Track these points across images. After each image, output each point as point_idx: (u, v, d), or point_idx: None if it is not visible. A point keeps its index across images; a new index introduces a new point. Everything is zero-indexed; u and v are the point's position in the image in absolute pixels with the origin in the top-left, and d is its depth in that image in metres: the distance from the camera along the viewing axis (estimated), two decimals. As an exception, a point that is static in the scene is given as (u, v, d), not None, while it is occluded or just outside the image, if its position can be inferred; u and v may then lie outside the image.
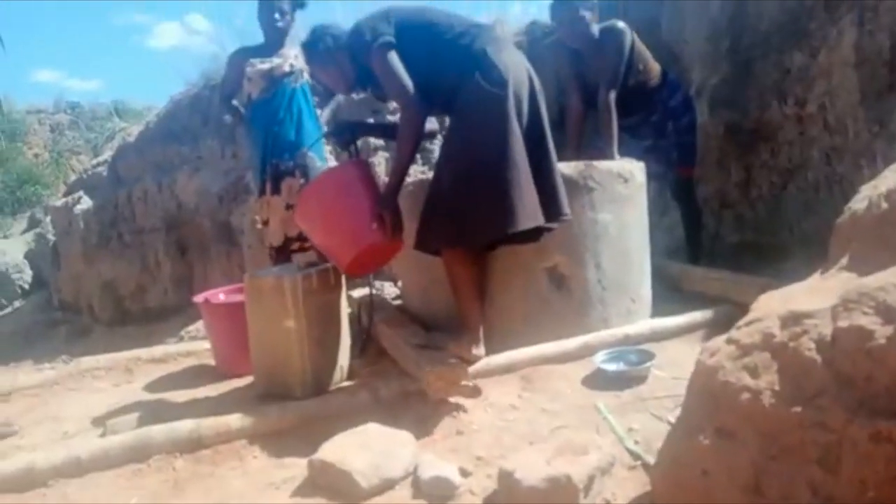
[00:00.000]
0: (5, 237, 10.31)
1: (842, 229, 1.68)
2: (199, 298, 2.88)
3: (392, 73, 2.21)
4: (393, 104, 4.59)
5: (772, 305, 1.43)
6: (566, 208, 2.31)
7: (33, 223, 9.83)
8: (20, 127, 14.26)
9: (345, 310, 2.58)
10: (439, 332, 2.40)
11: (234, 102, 3.77)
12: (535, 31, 5.46)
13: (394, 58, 2.23)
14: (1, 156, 12.85)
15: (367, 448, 1.78)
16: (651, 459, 1.70)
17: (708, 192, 3.91)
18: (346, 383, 2.53)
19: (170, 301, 5.72)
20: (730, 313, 2.64)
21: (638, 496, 1.54)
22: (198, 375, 2.92)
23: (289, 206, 3.36)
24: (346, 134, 2.58)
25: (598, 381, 2.28)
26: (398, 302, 3.48)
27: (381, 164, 4.90)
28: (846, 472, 1.06)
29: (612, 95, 3.12)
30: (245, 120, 3.52)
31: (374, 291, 2.81)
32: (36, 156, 13.90)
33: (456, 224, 2.19)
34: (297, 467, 1.91)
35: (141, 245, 5.80)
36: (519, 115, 2.21)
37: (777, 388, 1.22)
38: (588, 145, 3.38)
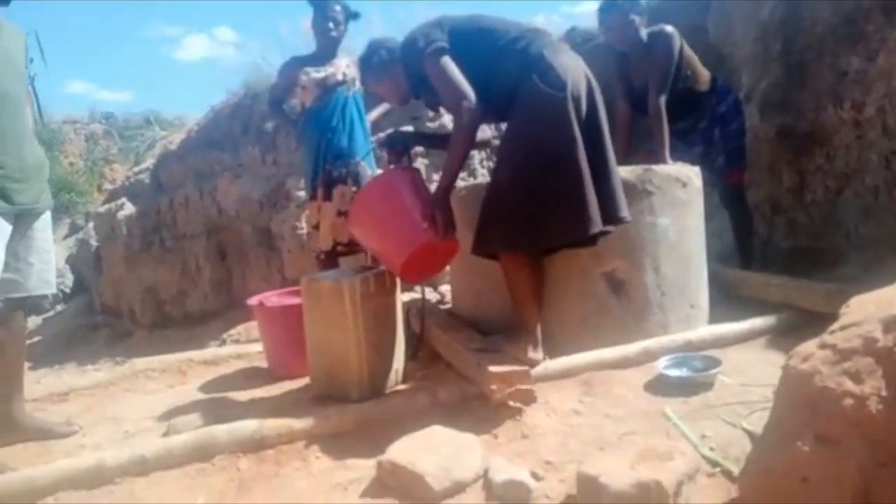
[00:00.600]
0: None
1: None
2: (253, 301, 2.89)
3: (447, 76, 2.21)
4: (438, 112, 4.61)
5: (868, 310, 1.38)
6: (625, 210, 2.28)
7: (74, 229, 10.03)
8: (57, 136, 14.58)
9: (400, 314, 2.57)
10: (496, 336, 2.37)
11: (285, 108, 3.82)
12: (575, 37, 5.44)
13: (448, 62, 2.23)
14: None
15: (435, 451, 1.76)
16: (731, 466, 1.67)
17: (759, 197, 3.84)
18: (400, 387, 2.52)
19: (209, 305, 5.78)
20: (792, 319, 2.60)
21: (724, 504, 1.50)
22: (250, 377, 2.93)
23: (340, 213, 3.39)
24: (398, 144, 2.58)
25: (662, 386, 2.23)
26: (444, 307, 3.48)
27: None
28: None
29: (663, 100, 3.09)
30: (298, 127, 3.56)
31: (424, 296, 2.79)
32: (71, 164, 14.18)
33: (520, 227, 2.17)
34: (361, 468, 1.90)
35: (182, 250, 5.88)
36: (577, 116, 2.19)
37: (884, 393, 1.17)
38: (636, 149, 3.35)
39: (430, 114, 4.82)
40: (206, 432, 2.08)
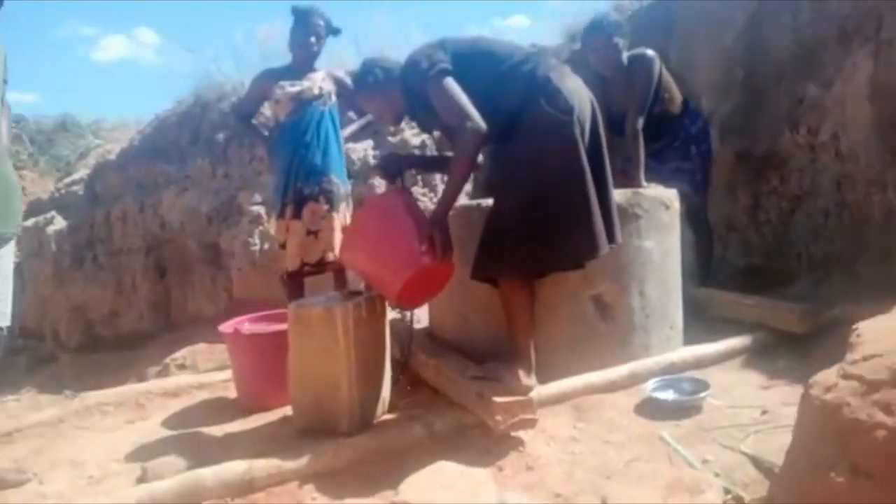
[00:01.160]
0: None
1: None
2: (226, 328, 2.74)
3: (450, 97, 2.17)
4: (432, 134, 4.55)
5: (885, 340, 1.43)
6: (619, 234, 2.30)
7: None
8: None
9: (388, 340, 2.49)
10: (490, 364, 2.33)
11: (255, 122, 3.69)
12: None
13: (452, 83, 2.19)
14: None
15: (450, 488, 1.72)
16: (741, 492, 1.69)
17: (715, 217, 3.98)
18: (388, 416, 2.44)
19: (145, 326, 5.48)
20: (765, 339, 2.69)
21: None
22: (218, 409, 2.77)
23: (310, 232, 3.28)
24: (393, 166, 2.52)
25: (652, 410, 2.26)
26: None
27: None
28: None
29: (640, 122, 3.15)
30: (270, 142, 3.43)
31: (411, 320, 2.73)
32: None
33: (529, 253, 2.16)
34: (364, 509, 1.82)
35: (117, 267, 5.55)
36: (582, 139, 2.20)
37: (918, 425, 1.21)
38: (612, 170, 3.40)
39: (391, 129, 4.76)
40: (190, 477, 1.94)
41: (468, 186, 4.59)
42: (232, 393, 2.94)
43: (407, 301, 2.38)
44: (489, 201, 2.56)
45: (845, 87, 3.38)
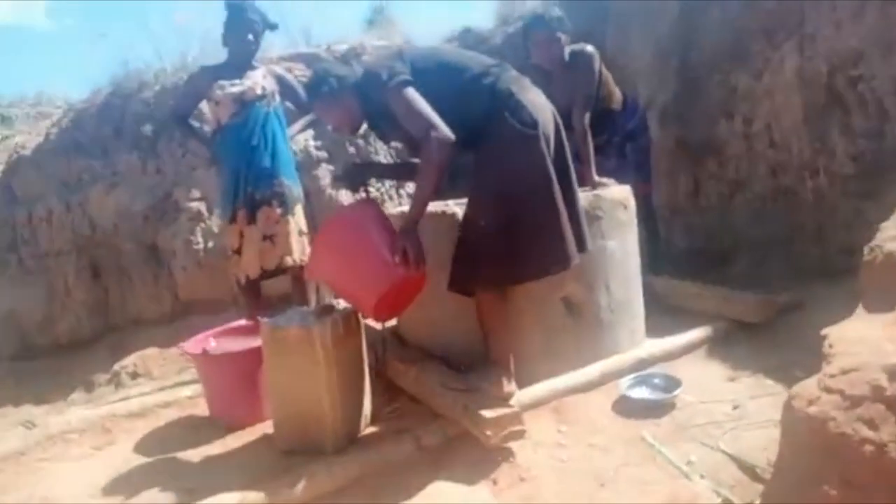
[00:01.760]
0: None
1: (882, 267, 1.85)
2: (192, 349, 2.65)
3: (414, 107, 2.16)
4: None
5: (860, 352, 1.56)
6: (589, 241, 2.38)
7: None
8: None
9: (365, 353, 2.49)
10: (470, 373, 2.37)
11: (194, 123, 3.54)
12: (468, 38, 5.49)
13: (413, 93, 2.18)
14: None
15: (456, 511, 1.76)
16: (728, 495, 1.81)
17: (658, 201, 4.14)
18: (371, 429, 2.46)
19: (84, 331, 5.21)
20: (724, 329, 2.85)
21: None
22: (192, 430, 2.70)
23: (266, 237, 3.21)
24: (356, 177, 2.48)
25: (629, 408, 2.37)
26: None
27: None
28: None
29: (587, 118, 3.21)
30: (212, 145, 3.29)
31: (384, 330, 2.73)
32: None
33: (504, 265, 2.20)
34: (369, 535, 1.85)
35: (46, 270, 5.22)
36: (548, 152, 2.24)
37: (901, 440, 1.34)
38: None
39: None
40: (185, 514, 1.91)
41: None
42: (201, 409, 2.87)
43: (382, 314, 2.38)
44: (452, 206, 2.58)
45: (774, 79, 3.56)
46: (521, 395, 2.37)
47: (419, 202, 2.23)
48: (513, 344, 2.45)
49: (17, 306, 5.25)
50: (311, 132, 4.85)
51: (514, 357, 2.45)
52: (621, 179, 3.35)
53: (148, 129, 4.93)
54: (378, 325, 2.62)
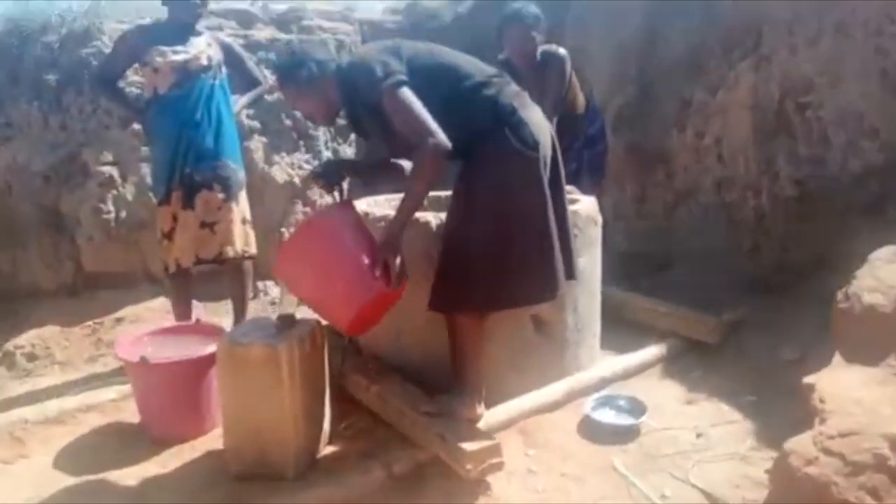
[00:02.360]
0: None
1: (861, 318, 1.91)
2: (126, 355, 2.36)
3: (411, 111, 2.01)
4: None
5: (855, 412, 1.60)
6: (577, 272, 2.33)
7: None
8: None
9: (327, 368, 2.33)
10: (441, 396, 2.27)
11: (122, 86, 3.15)
12: (416, 11, 5.24)
13: (410, 95, 2.03)
14: None
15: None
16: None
17: (603, 204, 4.17)
18: (330, 448, 2.32)
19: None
20: (677, 346, 2.91)
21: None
22: (120, 441, 2.43)
23: (204, 225, 2.93)
24: (332, 175, 2.27)
25: (594, 432, 2.37)
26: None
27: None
28: None
29: (554, 122, 3.15)
30: (146, 117, 2.94)
31: (349, 342, 2.58)
32: None
33: (495, 291, 2.10)
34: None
35: (-80, 230, 4.57)
36: (545, 174, 2.15)
37: (905, 512, 1.39)
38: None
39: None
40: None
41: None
42: (127, 415, 2.59)
43: (357, 329, 2.23)
44: (426, 215, 2.44)
45: (728, 96, 3.64)
46: (490, 416, 2.31)
47: (405, 211, 2.08)
48: (483, 365, 2.37)
49: None
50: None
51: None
52: (577, 185, 3.35)
53: (51, 77, 4.35)
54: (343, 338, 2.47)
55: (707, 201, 3.78)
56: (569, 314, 2.61)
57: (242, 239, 3.01)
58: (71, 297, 4.34)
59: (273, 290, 4.28)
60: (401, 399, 2.30)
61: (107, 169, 4.25)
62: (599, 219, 2.80)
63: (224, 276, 3.20)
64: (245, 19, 4.69)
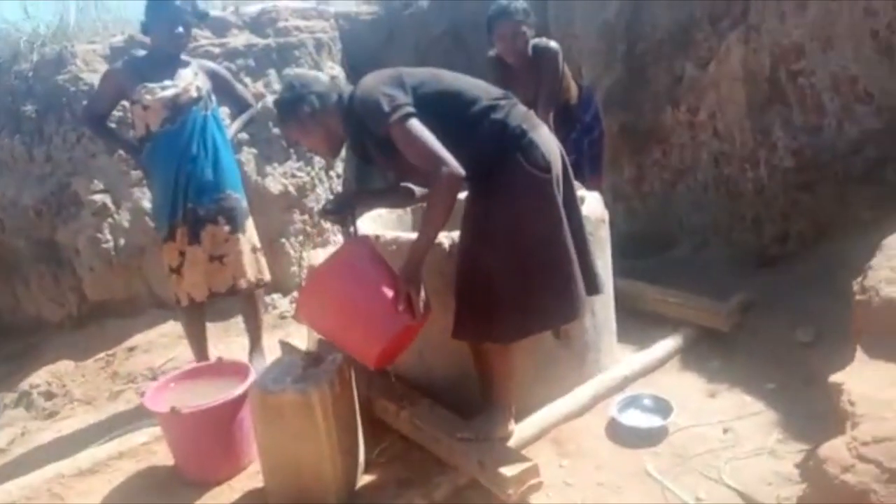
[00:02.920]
0: None
1: (881, 312, 1.94)
2: (155, 406, 2.37)
3: (422, 142, 1.99)
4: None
5: (889, 416, 1.64)
6: (601, 286, 2.34)
7: None
8: None
9: (356, 402, 2.35)
10: (474, 421, 2.30)
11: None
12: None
13: (419, 126, 2.01)
14: None
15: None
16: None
17: (602, 186, 4.17)
18: (368, 477, 2.36)
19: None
20: (690, 335, 2.95)
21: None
22: (157, 486, 2.46)
23: (213, 258, 2.91)
24: (344, 210, 2.26)
25: (623, 435, 2.41)
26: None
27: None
28: None
29: (550, 116, 3.13)
30: (142, 155, 2.89)
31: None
32: None
33: (521, 320, 2.12)
34: None
35: (-86, 272, 4.51)
36: (559, 194, 2.15)
37: (947, 520, 1.44)
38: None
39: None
40: None
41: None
42: (160, 458, 2.62)
43: (382, 363, 2.25)
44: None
45: (719, 69, 3.62)
46: (521, 430, 2.36)
47: (424, 241, 2.08)
48: (513, 383, 2.39)
49: None
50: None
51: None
52: (578, 176, 3.33)
53: (30, 108, 4.26)
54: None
55: (705, 177, 3.79)
56: (587, 318, 2.63)
57: (254, 268, 3.00)
58: (78, 329, 4.33)
59: (281, 303, 4.28)
60: (434, 425, 2.34)
61: (99, 197, 4.19)
62: (607, 216, 2.80)
63: (235, 299, 3.20)
64: (219, 26, 4.57)
